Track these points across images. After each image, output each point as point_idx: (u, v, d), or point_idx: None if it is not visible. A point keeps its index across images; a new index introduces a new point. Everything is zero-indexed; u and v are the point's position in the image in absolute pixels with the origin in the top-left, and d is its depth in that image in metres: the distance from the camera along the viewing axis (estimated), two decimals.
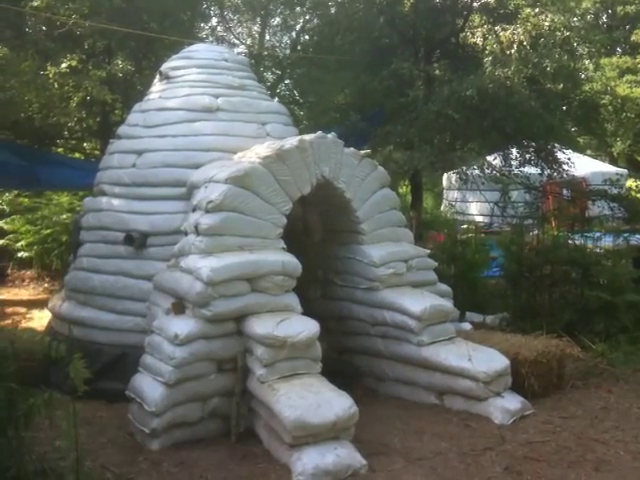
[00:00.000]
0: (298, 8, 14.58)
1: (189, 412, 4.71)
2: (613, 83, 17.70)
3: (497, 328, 7.53)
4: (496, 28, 9.78)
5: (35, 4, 9.66)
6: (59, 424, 3.85)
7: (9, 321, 8.10)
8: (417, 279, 5.99)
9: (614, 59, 19.59)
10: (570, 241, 8.31)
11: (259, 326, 4.72)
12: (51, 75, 9.65)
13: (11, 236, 11.71)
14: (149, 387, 4.68)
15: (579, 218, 10.20)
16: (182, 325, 4.75)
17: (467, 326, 7.06)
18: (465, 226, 12.91)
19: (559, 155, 10.38)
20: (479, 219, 16.27)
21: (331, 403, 4.35)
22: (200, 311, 4.77)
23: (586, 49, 12.70)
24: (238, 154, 5.91)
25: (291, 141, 5.60)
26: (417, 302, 5.52)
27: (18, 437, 3.72)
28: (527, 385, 5.55)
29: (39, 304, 8.92)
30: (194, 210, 5.40)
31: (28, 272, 11.67)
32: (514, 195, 12.34)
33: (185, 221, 5.44)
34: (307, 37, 15.09)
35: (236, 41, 16.36)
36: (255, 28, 16.73)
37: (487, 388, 5.19)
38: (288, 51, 15.48)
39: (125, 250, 5.90)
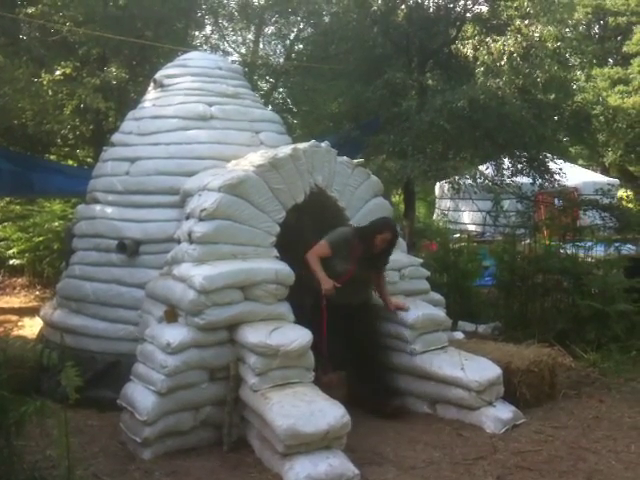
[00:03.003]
0: (292, 17, 14.64)
1: (181, 421, 4.69)
2: (605, 93, 17.86)
3: (489, 337, 7.56)
4: (487, 39, 9.85)
5: (29, 11, 9.68)
6: (51, 433, 3.84)
7: (0, 329, 8.06)
8: (410, 288, 6.00)
9: (606, 70, 19.78)
10: (562, 250, 8.36)
11: (252, 334, 4.72)
12: (45, 82, 9.65)
13: (2, 243, 11.66)
14: (141, 396, 4.66)
15: (571, 228, 10.24)
16: (174, 333, 4.74)
17: (460, 335, 7.09)
18: (458, 235, 12.95)
19: (551, 165, 10.45)
20: (471, 228, 16.33)
21: (324, 412, 4.34)
22: (193, 319, 4.76)
23: (578, 60, 12.80)
24: (232, 162, 5.92)
25: (285, 150, 5.61)
26: (410, 311, 5.53)
27: (9, 445, 3.69)
28: (519, 394, 5.56)
29: (31, 312, 8.88)
30: (187, 218, 5.40)
31: (19, 280, 11.63)
32: (506, 204, 12.39)
33: (178, 229, 5.44)
34: (301, 46, 15.17)
35: (230, 49, 16.43)
36: (249, 37, 16.79)
37: (479, 397, 5.19)
38: (282, 60, 15.54)
39: (118, 258, 5.89)
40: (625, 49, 20.86)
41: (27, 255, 11.44)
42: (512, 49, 9.41)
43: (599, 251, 8.56)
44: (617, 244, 8.70)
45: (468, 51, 10.05)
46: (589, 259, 8.33)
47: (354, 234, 5.48)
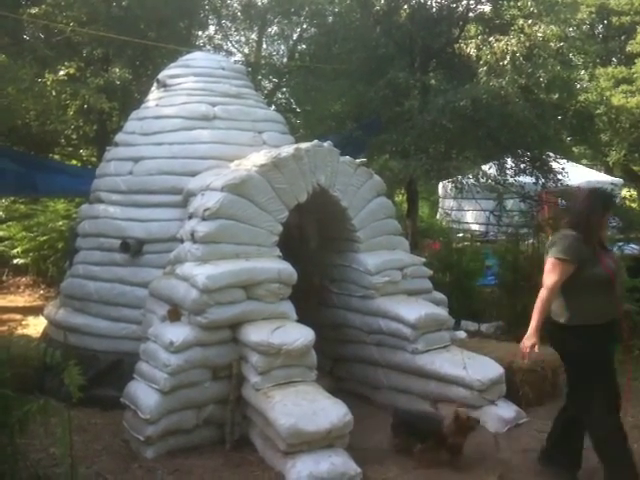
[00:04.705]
0: (295, 17, 14.66)
1: (184, 419, 4.71)
2: (608, 93, 17.81)
3: (492, 336, 7.56)
4: (490, 39, 9.85)
5: (33, 11, 9.72)
6: (54, 431, 3.85)
7: (5, 328, 8.11)
8: (412, 287, 6.01)
9: (609, 69, 19.70)
10: None
11: (254, 333, 4.73)
12: (49, 82, 9.68)
13: (7, 243, 11.70)
14: (144, 394, 4.68)
15: None
16: (177, 332, 4.75)
17: (462, 334, 7.08)
18: (461, 234, 12.95)
19: (553, 164, 10.44)
20: (475, 228, 16.30)
21: (326, 411, 4.36)
22: (196, 318, 4.78)
23: (581, 59, 12.79)
24: (235, 162, 5.93)
25: (287, 149, 5.62)
26: (412, 310, 5.54)
27: (13, 444, 3.71)
28: (521, 393, 5.57)
29: (35, 311, 8.90)
30: (190, 217, 5.42)
31: (24, 279, 11.67)
32: (509, 204, 12.39)
33: (181, 228, 5.46)
34: (304, 46, 15.18)
35: (233, 49, 16.49)
36: (252, 37, 16.81)
37: (482, 396, 5.20)
38: (285, 60, 15.57)
39: (121, 257, 5.91)
40: (629, 48, 20.76)
41: (31, 254, 11.49)
42: (515, 49, 9.40)
43: None
44: (620, 244, 8.68)
45: (471, 51, 10.03)
46: None
47: (574, 230, 4.18)
